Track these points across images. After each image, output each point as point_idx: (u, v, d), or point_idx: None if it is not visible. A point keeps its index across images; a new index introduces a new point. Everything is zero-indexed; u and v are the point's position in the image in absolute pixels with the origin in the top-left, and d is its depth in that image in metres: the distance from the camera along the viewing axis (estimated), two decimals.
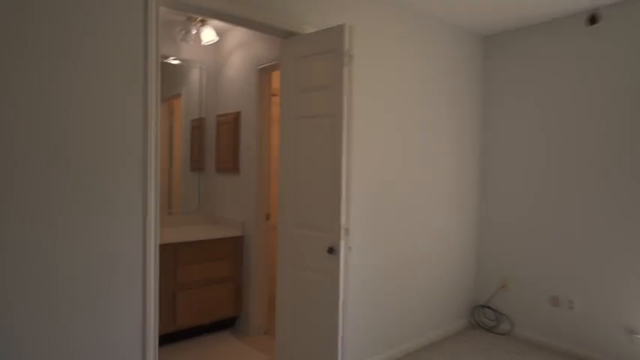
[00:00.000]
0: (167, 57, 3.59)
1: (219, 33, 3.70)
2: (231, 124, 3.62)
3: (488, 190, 3.78)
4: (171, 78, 3.67)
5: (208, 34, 3.41)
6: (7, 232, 1.63)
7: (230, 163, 3.64)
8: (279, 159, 2.56)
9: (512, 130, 3.61)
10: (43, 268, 1.71)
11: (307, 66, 2.37)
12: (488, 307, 3.73)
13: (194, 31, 3.39)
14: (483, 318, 3.78)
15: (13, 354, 1.66)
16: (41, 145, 1.69)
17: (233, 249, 3.48)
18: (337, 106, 2.19)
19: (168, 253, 3.13)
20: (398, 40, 3.05)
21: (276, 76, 3.63)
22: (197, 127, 3.83)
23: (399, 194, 3.12)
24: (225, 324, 3.57)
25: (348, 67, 2.17)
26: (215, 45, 3.83)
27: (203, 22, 3.43)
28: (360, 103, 2.80)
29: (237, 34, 3.60)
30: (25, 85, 1.65)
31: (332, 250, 2.23)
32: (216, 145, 3.85)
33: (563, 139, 3.29)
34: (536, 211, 3.44)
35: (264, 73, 3.36)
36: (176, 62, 3.65)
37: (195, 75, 3.78)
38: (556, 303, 3.31)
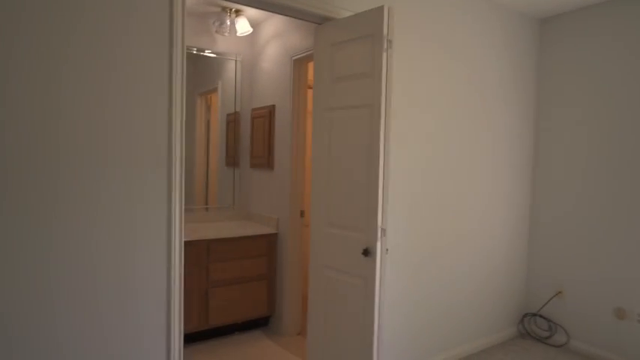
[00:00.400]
0: (203, 50, 3.53)
1: (253, 24, 3.59)
2: (266, 117, 3.51)
3: (541, 187, 3.46)
4: (208, 72, 3.61)
5: (243, 25, 3.32)
6: (23, 230, 1.58)
7: (264, 159, 3.54)
8: (311, 153, 2.41)
9: (571, 123, 3.26)
10: (60, 268, 1.65)
11: (343, 53, 2.20)
12: (541, 316, 3.42)
13: (228, 22, 3.30)
14: (535, 327, 3.47)
15: (35, 357, 1.62)
16: (45, 142, 1.63)
17: (267, 246, 3.38)
18: (375, 95, 2.01)
19: (201, 249, 3.07)
20: (443, 23, 2.81)
21: (312, 67, 3.47)
22: (232, 121, 3.76)
23: (443, 191, 2.89)
24: (259, 323, 3.49)
25: (387, 52, 1.98)
26: (250, 37, 3.73)
27: (237, 13, 3.33)
28: (402, 93, 2.59)
29: (272, 25, 3.48)
30: (35, 76, 1.59)
31: (367, 252, 2.05)
32: (250, 139, 3.76)
33: (631, 131, 2.93)
34: (597, 210, 3.10)
35: (299, 63, 3.22)
36: (212, 55, 3.58)
37: (230, 68, 3.70)
38: (622, 315, 2.96)
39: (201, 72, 3.58)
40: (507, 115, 3.28)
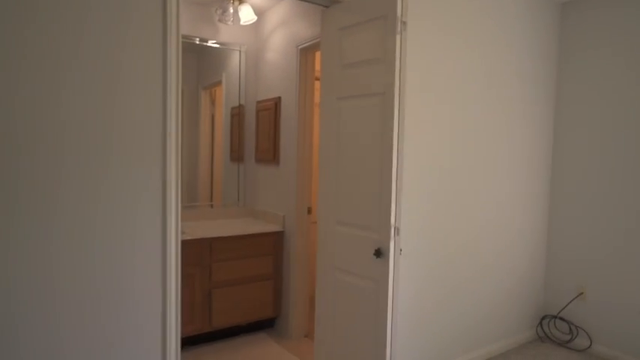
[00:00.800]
0: (206, 40, 3.39)
1: (258, 12, 3.44)
2: (271, 110, 3.36)
3: (561, 182, 3.27)
4: (212, 64, 3.47)
5: (247, 13, 3.16)
6: (11, 230, 1.45)
7: (269, 153, 3.39)
8: (319, 146, 2.26)
9: (593, 114, 3.07)
10: (47, 269, 1.52)
11: (352, 37, 2.03)
12: (561, 318, 3.25)
13: (231, 10, 3.15)
14: (554, 330, 3.30)
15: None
16: (32, 138, 1.49)
17: (273, 245, 3.24)
18: (388, 82, 1.84)
19: (204, 248, 2.93)
20: (459, 4, 2.62)
21: (319, 56, 3.30)
22: (237, 114, 3.62)
23: (458, 188, 2.72)
24: (264, 325, 3.35)
25: (401, 35, 1.82)
26: (254, 26, 3.58)
27: (241, 0, 3.18)
28: (412, 83, 2.42)
29: (277, 13, 3.32)
30: (22, 66, 1.45)
31: (379, 253, 1.90)
32: (255, 134, 3.62)
33: None
34: (622, 207, 2.91)
35: (306, 53, 3.06)
36: (215, 45, 3.43)
37: (234, 59, 3.55)
38: None
39: (205, 64, 3.45)
40: (526, 107, 3.09)
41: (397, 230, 1.85)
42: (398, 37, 1.81)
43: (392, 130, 1.82)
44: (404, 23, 1.83)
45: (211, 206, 3.57)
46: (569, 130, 3.22)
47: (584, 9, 3.10)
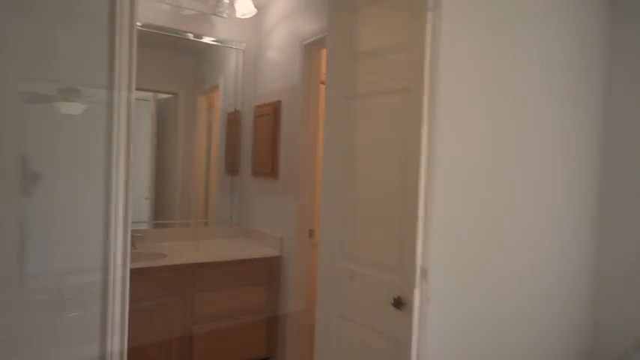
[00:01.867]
0: (200, 36, 2.99)
1: (258, 6, 3.02)
2: (270, 116, 2.92)
3: (612, 201, 2.76)
4: (209, 65, 3.12)
5: (244, 5, 2.75)
6: None
7: (267, 166, 2.95)
8: (323, 158, 1.80)
9: None
10: None
11: (369, 18, 1.59)
12: None
13: (226, 0, 2.74)
14: None
15: None
16: None
17: (268, 272, 2.78)
18: (416, 74, 1.38)
19: (185, 276, 2.48)
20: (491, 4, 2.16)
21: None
22: (232, 121, 3.19)
23: (487, 216, 2.22)
24: None
25: (433, 13, 1.37)
26: (254, 23, 3.17)
27: None
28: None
29: (279, 8, 2.91)
30: None
31: (400, 303, 1.42)
32: (252, 142, 3.18)
33: None
34: None
35: (311, 50, 2.63)
36: (212, 42, 3.03)
37: (232, 59, 3.15)
38: None
39: (202, 66, 3.11)
40: (571, 120, 2.61)
41: (424, 273, 1.38)
42: (429, 14, 1.35)
43: (420, 140, 1.35)
44: None
45: (206, 224, 3.15)
46: (622, 147, 2.72)
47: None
